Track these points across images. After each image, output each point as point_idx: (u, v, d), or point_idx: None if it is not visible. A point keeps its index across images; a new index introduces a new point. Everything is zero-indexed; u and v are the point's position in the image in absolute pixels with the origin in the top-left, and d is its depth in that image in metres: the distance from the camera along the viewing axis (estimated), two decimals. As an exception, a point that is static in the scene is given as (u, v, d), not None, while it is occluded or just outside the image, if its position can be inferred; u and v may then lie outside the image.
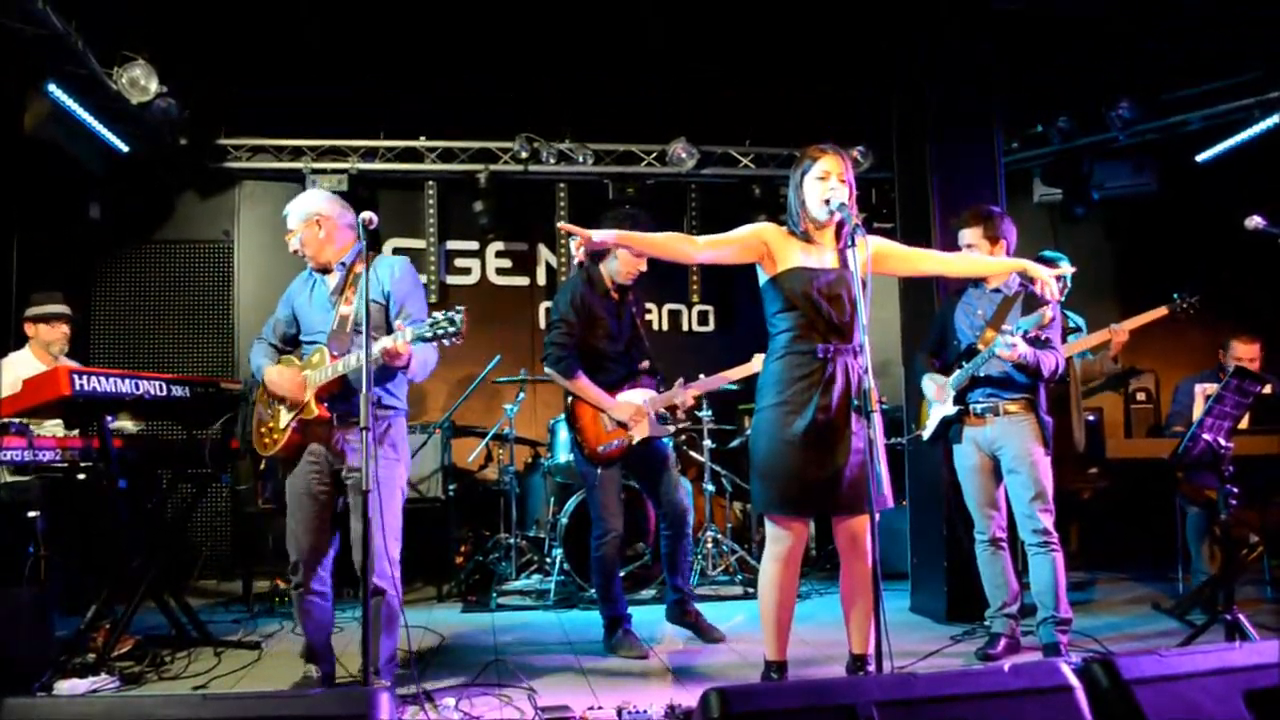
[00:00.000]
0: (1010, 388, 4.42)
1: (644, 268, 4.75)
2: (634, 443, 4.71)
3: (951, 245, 5.48)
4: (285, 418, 3.85)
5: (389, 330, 3.78)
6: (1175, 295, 4.27)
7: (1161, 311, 4.33)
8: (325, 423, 3.80)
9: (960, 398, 4.53)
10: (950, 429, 4.64)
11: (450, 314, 3.48)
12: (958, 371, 4.51)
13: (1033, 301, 4.44)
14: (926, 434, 4.80)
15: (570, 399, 4.73)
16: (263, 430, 3.96)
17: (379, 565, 3.58)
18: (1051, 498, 4.36)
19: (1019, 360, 4.25)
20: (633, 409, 4.68)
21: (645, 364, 4.93)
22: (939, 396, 4.60)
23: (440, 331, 3.47)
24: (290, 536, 3.90)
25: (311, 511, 3.86)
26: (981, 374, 4.44)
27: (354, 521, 3.83)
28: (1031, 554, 4.38)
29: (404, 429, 3.99)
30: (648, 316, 8.03)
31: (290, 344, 4.06)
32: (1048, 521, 4.32)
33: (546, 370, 4.71)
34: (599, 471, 4.68)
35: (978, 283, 4.64)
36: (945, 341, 4.73)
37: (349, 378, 3.76)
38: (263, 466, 4.26)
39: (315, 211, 4.02)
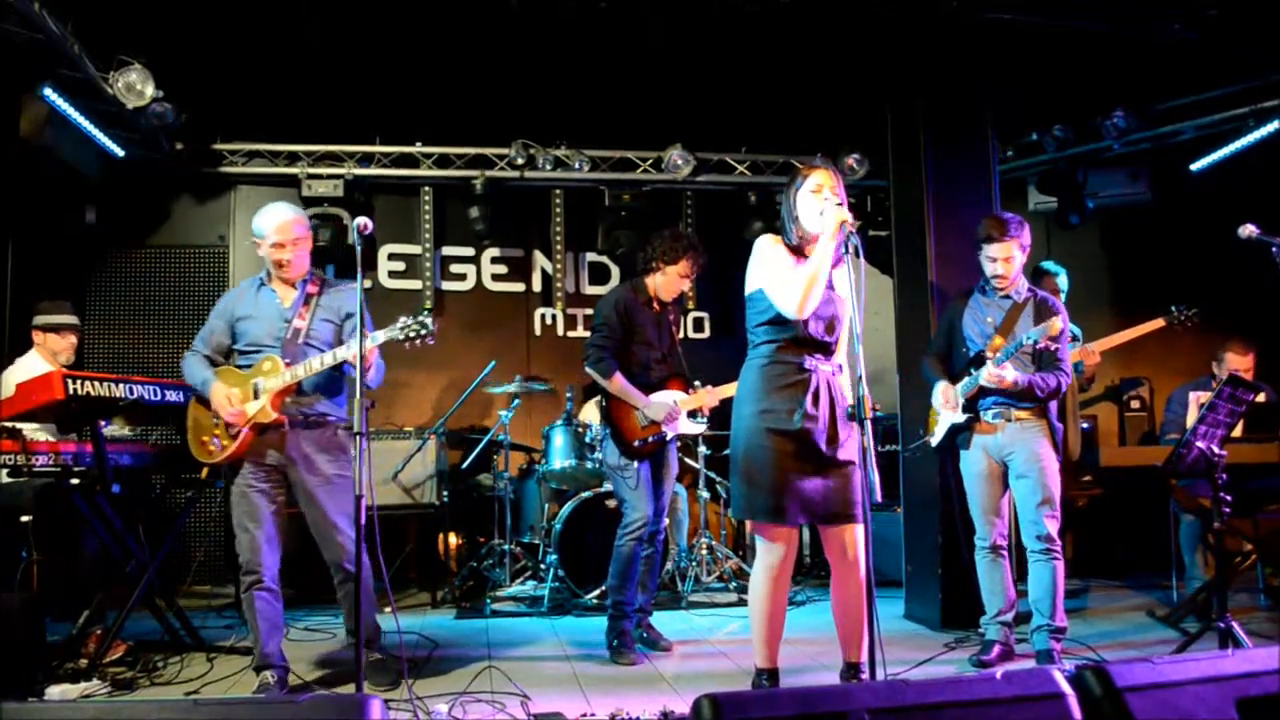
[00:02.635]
0: (1022, 395, 4.38)
1: (686, 288, 5.04)
2: (668, 438, 4.92)
3: (946, 252, 5.54)
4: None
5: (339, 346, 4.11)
6: (1173, 307, 4.29)
7: (1159, 323, 4.35)
8: (278, 426, 4.00)
9: (970, 405, 4.52)
10: (958, 435, 4.63)
11: (420, 318, 3.82)
12: (965, 379, 4.50)
13: (1043, 310, 4.45)
14: (935, 440, 4.78)
15: (608, 397, 4.88)
16: (205, 439, 4.10)
17: (351, 551, 3.88)
18: (1059, 505, 4.36)
19: (1007, 388, 4.27)
20: (666, 408, 4.85)
21: (678, 375, 5.09)
22: (948, 406, 4.58)
23: (411, 334, 3.80)
24: (244, 534, 4.01)
25: (266, 509, 4.03)
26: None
27: (311, 514, 4.08)
28: (1033, 560, 4.38)
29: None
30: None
31: (224, 354, 4.22)
32: (1053, 528, 4.32)
33: (586, 369, 4.90)
34: (633, 464, 4.81)
35: (985, 288, 4.63)
36: (952, 345, 4.71)
37: (301, 384, 4.04)
38: (204, 474, 4.35)
39: (310, 229, 4.29)
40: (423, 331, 3.80)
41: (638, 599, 4.90)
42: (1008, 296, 4.56)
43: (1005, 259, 4.50)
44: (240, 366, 4.13)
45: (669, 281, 4.92)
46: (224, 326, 4.21)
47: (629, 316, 4.89)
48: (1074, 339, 5.85)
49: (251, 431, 3.98)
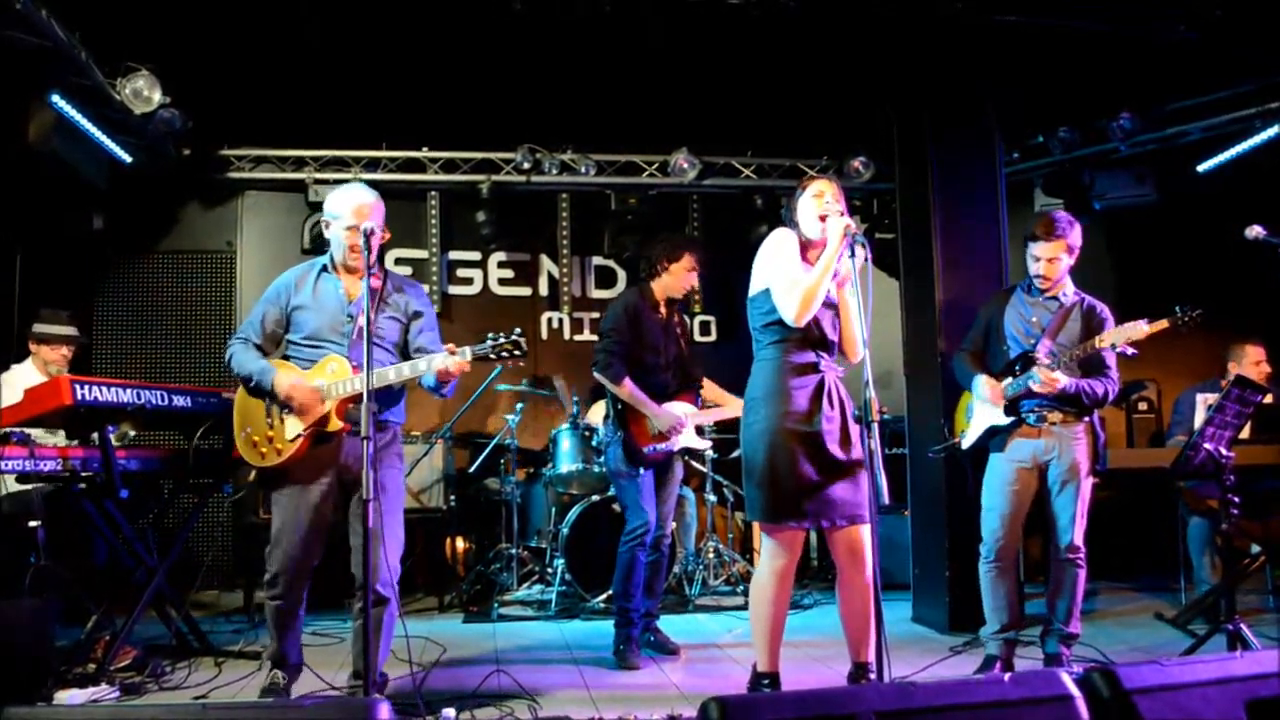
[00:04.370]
0: (1066, 400, 4.27)
1: (695, 283, 5.04)
2: (675, 449, 4.93)
3: (952, 254, 5.54)
4: (294, 428, 3.72)
5: (404, 348, 3.89)
6: (1177, 308, 4.26)
7: (1162, 324, 4.34)
8: (340, 434, 3.74)
9: (1013, 408, 4.36)
10: (994, 438, 4.47)
11: (513, 337, 3.59)
12: (1011, 380, 4.33)
13: (1092, 316, 4.35)
14: (967, 443, 4.60)
15: (618, 405, 4.89)
16: (256, 439, 3.80)
17: (384, 574, 3.64)
18: (1087, 513, 4.31)
19: (1057, 393, 4.17)
20: (674, 418, 4.85)
21: (687, 388, 5.09)
22: (995, 398, 4.38)
23: (504, 354, 3.60)
24: (281, 548, 3.76)
25: (313, 524, 3.76)
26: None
27: (358, 526, 3.77)
28: (1056, 564, 4.33)
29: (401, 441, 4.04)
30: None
31: (274, 343, 3.91)
32: (1081, 537, 4.27)
33: (595, 374, 4.90)
34: (638, 470, 4.80)
35: (1030, 286, 4.49)
36: (989, 344, 4.57)
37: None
38: (252, 477, 4.03)
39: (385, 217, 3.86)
40: (516, 352, 3.59)
41: (643, 604, 4.90)
42: (1054, 298, 4.43)
43: (1050, 259, 4.36)
44: (293, 360, 3.81)
45: (676, 279, 4.95)
46: (279, 314, 3.85)
47: (638, 321, 4.90)
48: None
49: (308, 439, 3.70)
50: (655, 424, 4.83)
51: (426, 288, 7.74)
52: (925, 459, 5.48)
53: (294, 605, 3.87)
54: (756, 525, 7.65)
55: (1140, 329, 4.12)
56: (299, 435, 3.70)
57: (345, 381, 3.67)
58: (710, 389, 5.23)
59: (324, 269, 3.90)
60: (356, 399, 3.66)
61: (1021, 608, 4.48)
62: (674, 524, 5.18)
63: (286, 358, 3.86)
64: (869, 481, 3.27)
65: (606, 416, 4.99)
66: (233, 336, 3.93)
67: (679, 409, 4.92)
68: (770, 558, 3.66)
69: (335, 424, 3.69)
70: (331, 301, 3.83)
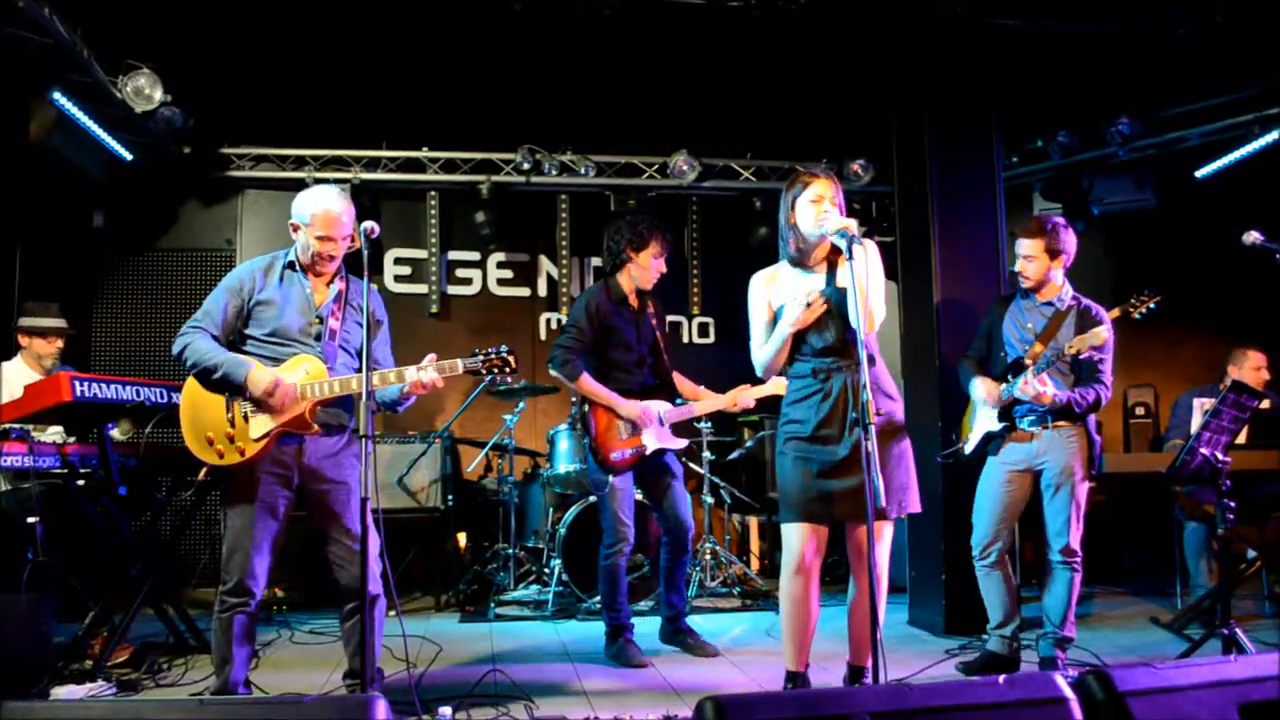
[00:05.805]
0: (1058, 410, 4.25)
1: (664, 270, 4.86)
2: (647, 452, 4.76)
3: (951, 257, 5.55)
4: (261, 426, 3.52)
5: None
6: (1132, 296, 4.21)
7: (1115, 312, 4.29)
8: (302, 436, 3.60)
9: (1006, 413, 4.38)
10: (991, 443, 4.50)
11: (503, 353, 3.52)
12: (1004, 385, 4.35)
13: (1086, 318, 4.33)
14: (969, 448, 4.62)
15: (585, 407, 4.79)
16: (212, 436, 3.55)
17: (374, 571, 3.57)
18: (1083, 517, 4.32)
19: (1046, 403, 4.16)
20: (639, 408, 4.70)
21: (664, 386, 4.92)
22: (991, 400, 4.40)
23: (494, 370, 3.52)
24: (243, 551, 3.55)
25: (269, 528, 3.59)
26: None
27: (331, 532, 3.69)
28: (1053, 569, 4.33)
29: None
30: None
31: (228, 337, 3.66)
32: (1076, 541, 4.28)
33: (552, 373, 4.77)
34: (611, 480, 4.71)
35: (1028, 293, 4.48)
36: (991, 350, 4.60)
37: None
38: (204, 475, 3.73)
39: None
40: (505, 369, 3.51)
41: (631, 612, 4.84)
42: (1050, 302, 4.41)
43: (1026, 257, 4.37)
44: (253, 356, 3.61)
45: (644, 270, 4.78)
46: (240, 306, 3.65)
47: (602, 319, 4.73)
48: None
49: (274, 438, 3.52)
50: (621, 413, 4.68)
51: (425, 288, 7.82)
52: (923, 460, 5.47)
53: (257, 612, 3.69)
54: (753, 527, 7.69)
55: (1100, 335, 4.09)
56: (266, 434, 3.51)
57: (323, 383, 3.53)
58: (679, 383, 5.03)
59: (291, 266, 3.76)
60: (328, 402, 3.59)
61: (1017, 604, 4.52)
62: (692, 521, 5.01)
63: (241, 352, 3.66)
64: (867, 483, 3.27)
65: None
66: (186, 325, 3.66)
67: (655, 407, 4.78)
68: (784, 555, 3.69)
69: (311, 426, 3.55)
70: (300, 301, 3.70)
